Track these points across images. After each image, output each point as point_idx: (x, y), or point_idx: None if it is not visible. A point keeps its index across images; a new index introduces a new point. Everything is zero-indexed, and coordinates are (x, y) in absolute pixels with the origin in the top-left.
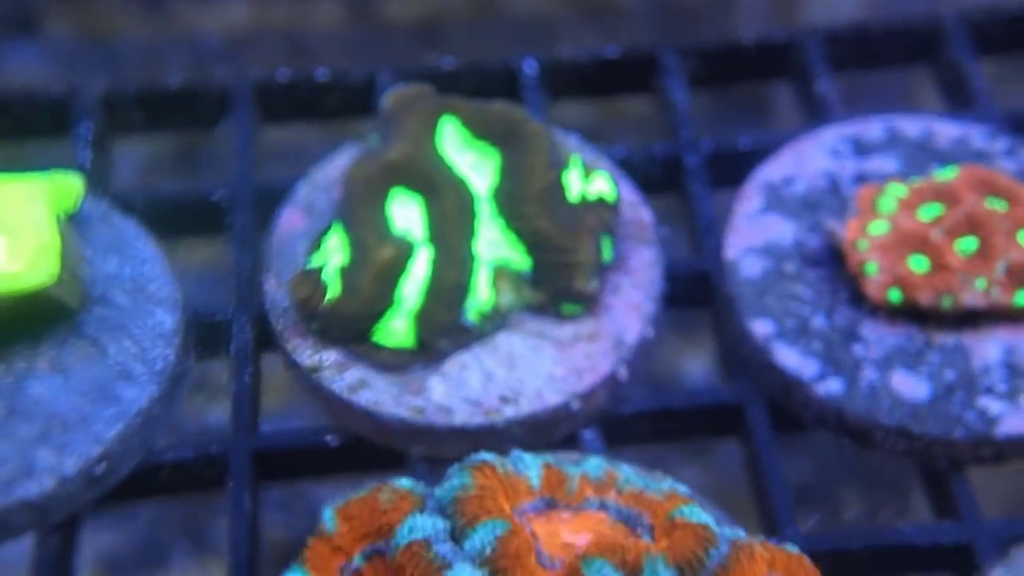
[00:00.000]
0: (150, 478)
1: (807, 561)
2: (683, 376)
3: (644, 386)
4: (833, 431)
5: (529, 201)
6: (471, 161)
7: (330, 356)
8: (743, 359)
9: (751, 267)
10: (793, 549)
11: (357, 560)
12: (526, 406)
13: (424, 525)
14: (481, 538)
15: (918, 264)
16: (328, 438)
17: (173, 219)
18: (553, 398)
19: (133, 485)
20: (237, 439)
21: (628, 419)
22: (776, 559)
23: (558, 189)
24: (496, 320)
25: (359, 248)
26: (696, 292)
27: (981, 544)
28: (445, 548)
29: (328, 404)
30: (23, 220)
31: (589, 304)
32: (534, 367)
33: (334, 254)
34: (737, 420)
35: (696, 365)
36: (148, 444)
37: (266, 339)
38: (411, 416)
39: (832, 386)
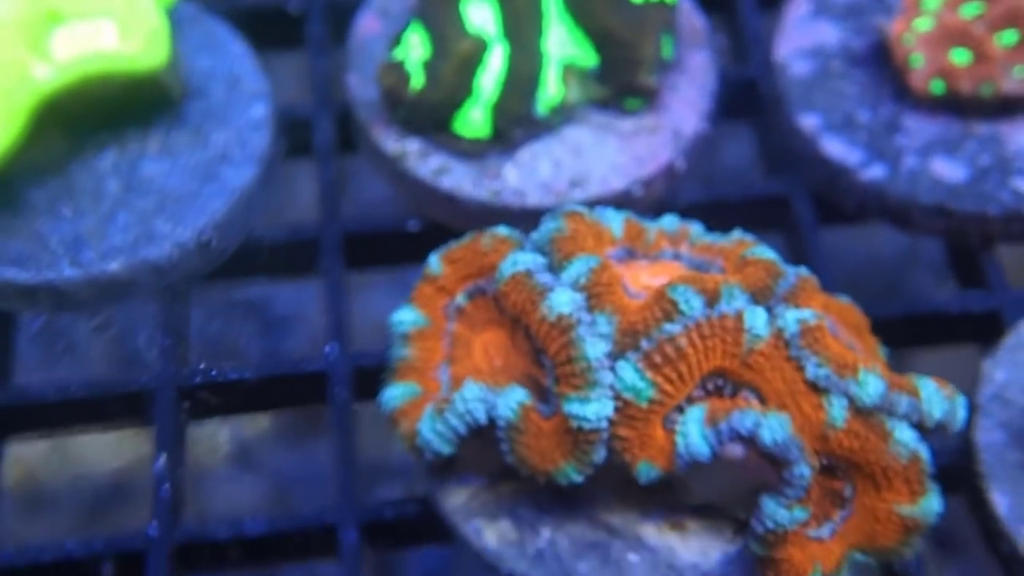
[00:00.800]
0: (251, 258)
1: (858, 310)
2: (731, 178)
3: (697, 181)
4: (874, 215)
5: None
6: None
7: (414, 143)
8: (789, 155)
9: (800, 67)
10: (845, 299)
11: (460, 298)
12: (593, 189)
13: (526, 259)
14: (577, 269)
15: (960, 56)
16: (411, 223)
17: (252, 31)
18: (617, 183)
19: (237, 264)
20: (327, 222)
21: (682, 210)
22: (830, 305)
23: None
24: (564, 113)
25: (439, 42)
26: (743, 100)
27: (1008, 311)
28: (546, 277)
29: (411, 190)
30: (132, 7)
31: (650, 98)
32: (599, 156)
33: (415, 49)
34: (783, 212)
35: (743, 169)
36: (249, 225)
37: (347, 140)
38: (489, 198)
39: (875, 171)
